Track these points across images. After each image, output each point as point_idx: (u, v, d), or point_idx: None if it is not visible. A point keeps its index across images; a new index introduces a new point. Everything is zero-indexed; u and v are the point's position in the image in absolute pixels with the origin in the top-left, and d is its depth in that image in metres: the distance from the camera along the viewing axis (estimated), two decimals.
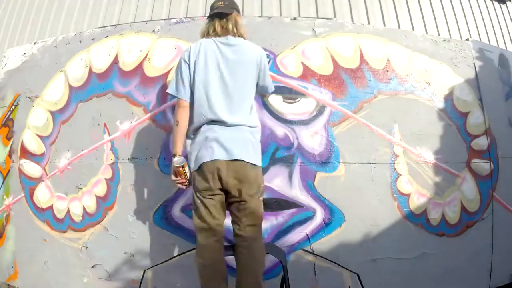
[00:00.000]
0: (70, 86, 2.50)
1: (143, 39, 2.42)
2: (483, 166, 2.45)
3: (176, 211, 2.18)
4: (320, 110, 2.27)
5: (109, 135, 2.34)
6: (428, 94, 2.44)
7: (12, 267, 2.48)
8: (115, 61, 2.42)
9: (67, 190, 2.38)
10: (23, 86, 2.64)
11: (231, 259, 1.73)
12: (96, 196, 2.31)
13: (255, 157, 1.66)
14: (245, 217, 1.63)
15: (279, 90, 2.26)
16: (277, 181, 2.17)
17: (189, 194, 2.17)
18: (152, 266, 2.18)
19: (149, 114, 2.29)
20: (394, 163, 2.28)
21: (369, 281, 2.11)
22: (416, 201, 2.29)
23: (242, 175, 1.61)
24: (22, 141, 2.54)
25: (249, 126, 1.67)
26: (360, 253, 2.19)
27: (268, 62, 2.30)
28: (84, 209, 2.33)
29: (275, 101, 2.25)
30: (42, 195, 2.44)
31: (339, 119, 2.27)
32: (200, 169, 1.62)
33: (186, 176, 1.71)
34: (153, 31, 2.43)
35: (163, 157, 2.23)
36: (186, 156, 1.73)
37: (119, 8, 4.60)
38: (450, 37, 4.58)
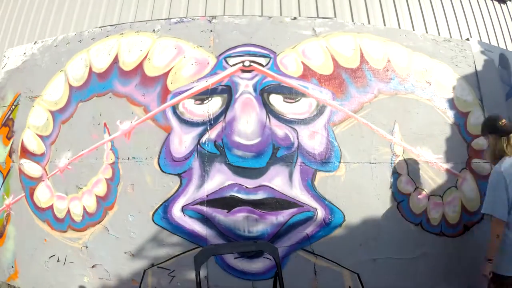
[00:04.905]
0: (70, 86, 2.50)
1: (143, 38, 2.42)
2: (483, 166, 2.45)
3: (176, 210, 2.18)
4: (321, 109, 2.27)
5: (109, 134, 2.34)
6: (428, 94, 2.43)
7: (13, 267, 2.48)
8: (115, 60, 2.42)
9: (67, 189, 2.38)
10: (23, 86, 2.64)
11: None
12: (96, 196, 2.31)
13: None
14: None
15: (279, 89, 2.26)
16: (278, 181, 2.17)
17: (189, 194, 2.17)
18: (152, 266, 2.18)
19: (149, 114, 2.29)
20: (394, 162, 2.28)
21: (369, 281, 2.11)
22: (416, 201, 2.28)
23: None
24: (22, 141, 2.54)
25: None
26: (360, 253, 2.19)
27: (268, 62, 2.30)
28: (84, 208, 2.33)
29: (276, 100, 2.25)
30: (42, 195, 2.44)
31: (340, 119, 2.27)
32: None
33: None
34: (153, 30, 2.43)
35: (163, 157, 2.23)
36: None
37: (119, 8, 4.60)
38: (451, 37, 4.57)
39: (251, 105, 2.23)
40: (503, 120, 1.91)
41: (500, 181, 1.79)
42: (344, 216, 2.19)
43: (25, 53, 2.74)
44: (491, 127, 1.93)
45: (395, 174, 2.27)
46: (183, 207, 2.18)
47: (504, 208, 1.78)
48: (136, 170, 2.26)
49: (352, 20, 4.40)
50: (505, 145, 1.86)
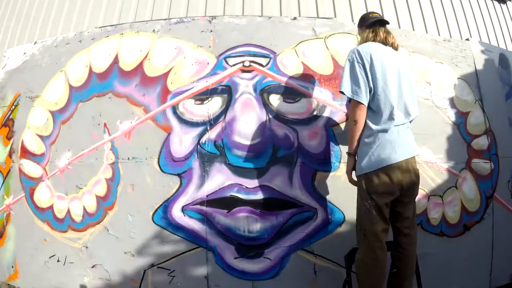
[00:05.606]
0: (70, 86, 2.50)
1: (143, 39, 2.42)
2: (483, 166, 2.45)
3: (176, 211, 2.18)
4: (321, 110, 2.27)
5: (109, 134, 2.34)
6: (428, 94, 2.43)
7: (13, 267, 2.48)
8: (115, 61, 2.42)
9: (67, 190, 2.38)
10: (23, 86, 2.64)
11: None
12: (96, 196, 2.31)
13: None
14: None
15: (279, 89, 2.26)
16: (278, 181, 2.17)
17: (189, 194, 2.17)
18: (152, 266, 2.18)
19: (149, 114, 2.29)
20: None
21: None
22: (416, 201, 2.28)
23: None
24: (22, 141, 2.54)
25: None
26: None
27: (268, 62, 2.30)
28: (84, 209, 2.33)
29: (276, 101, 2.25)
30: (42, 195, 2.44)
31: (340, 119, 2.27)
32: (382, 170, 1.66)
33: None
34: (153, 31, 2.43)
35: (163, 157, 2.23)
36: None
37: (119, 8, 4.59)
38: (451, 36, 4.57)
39: (251, 105, 2.23)
40: (374, 14, 1.94)
41: (356, 60, 1.74)
42: (344, 216, 2.19)
43: (25, 53, 2.74)
44: (361, 20, 1.96)
45: None
46: (183, 207, 2.18)
47: (361, 88, 1.70)
48: (136, 170, 2.26)
49: (352, 20, 4.40)
50: (370, 35, 1.85)
